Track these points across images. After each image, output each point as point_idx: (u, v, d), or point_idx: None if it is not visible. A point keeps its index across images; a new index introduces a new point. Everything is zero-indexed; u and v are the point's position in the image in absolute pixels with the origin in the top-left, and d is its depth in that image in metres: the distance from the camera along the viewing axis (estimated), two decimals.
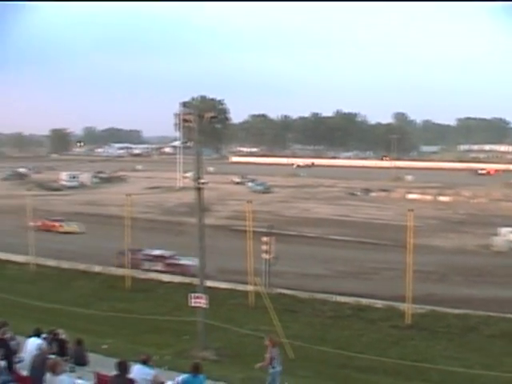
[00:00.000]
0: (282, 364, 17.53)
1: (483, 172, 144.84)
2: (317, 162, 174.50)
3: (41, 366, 13.29)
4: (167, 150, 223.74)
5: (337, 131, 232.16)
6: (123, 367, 12.34)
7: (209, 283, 26.96)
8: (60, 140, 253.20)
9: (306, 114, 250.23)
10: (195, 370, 13.55)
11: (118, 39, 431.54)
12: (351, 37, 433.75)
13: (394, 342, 27.25)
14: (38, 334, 16.09)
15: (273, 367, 17.38)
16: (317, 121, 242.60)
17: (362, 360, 23.63)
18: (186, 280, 34.91)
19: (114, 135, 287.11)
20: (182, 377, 13.79)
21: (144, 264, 40.45)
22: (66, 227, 57.51)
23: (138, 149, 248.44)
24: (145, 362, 13.42)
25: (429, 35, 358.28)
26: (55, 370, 12.45)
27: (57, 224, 57.51)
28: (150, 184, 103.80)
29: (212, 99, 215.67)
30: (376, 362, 23.18)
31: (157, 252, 41.99)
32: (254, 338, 25.00)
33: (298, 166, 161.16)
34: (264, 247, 34.91)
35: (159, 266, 40.67)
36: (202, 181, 24.73)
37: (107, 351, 21.69)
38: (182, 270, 38.56)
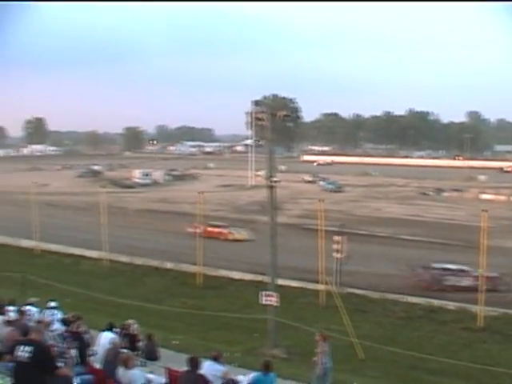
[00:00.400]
0: (332, 360, 17.40)
1: None
2: (389, 161, 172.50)
3: (113, 359, 13.47)
4: (239, 148, 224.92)
5: (409, 130, 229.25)
6: (194, 363, 12.38)
7: (280, 281, 26.90)
8: (133, 138, 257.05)
9: (378, 113, 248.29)
10: (266, 368, 13.52)
11: (191, 39, 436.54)
12: (423, 36, 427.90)
13: (466, 345, 26.71)
14: (110, 328, 16.33)
15: (323, 363, 17.35)
16: (389, 119, 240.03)
17: (433, 362, 23.24)
18: (257, 278, 34.89)
19: (186, 133, 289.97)
20: (252, 375, 13.79)
21: (449, 280, 36.70)
22: (236, 234, 52.99)
23: (209, 147, 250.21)
24: (216, 359, 13.44)
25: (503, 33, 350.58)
26: (127, 364, 12.60)
27: (225, 231, 52.93)
28: (221, 182, 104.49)
29: (284, 98, 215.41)
30: (447, 364, 22.70)
31: (452, 266, 37.93)
32: None
33: (319, 164, 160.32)
34: (335, 246, 34.65)
35: (466, 281, 35.78)
36: (275, 179, 24.68)
37: (178, 347, 21.89)
38: (493, 284, 33.82)
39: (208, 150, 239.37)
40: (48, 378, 10.34)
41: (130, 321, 17.86)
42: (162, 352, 18.33)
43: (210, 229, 49.61)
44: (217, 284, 36.40)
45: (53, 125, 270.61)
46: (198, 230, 40.34)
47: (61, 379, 10.70)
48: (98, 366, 14.17)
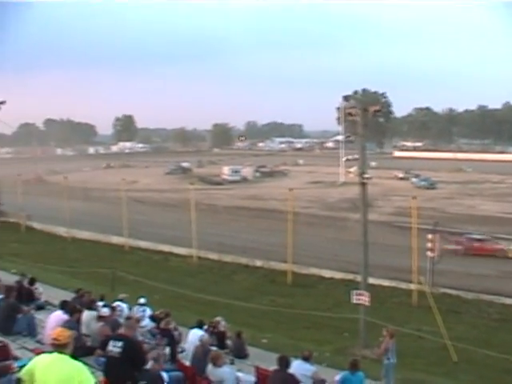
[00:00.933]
0: (397, 357, 17.54)
1: None
2: (483, 156, 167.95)
3: (202, 357, 13.64)
4: (329, 144, 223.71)
5: (505, 124, 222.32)
6: (284, 362, 12.42)
7: (371, 280, 26.72)
8: (222, 135, 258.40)
9: (473, 107, 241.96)
10: (353, 366, 13.49)
11: (280, 35, 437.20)
12: None
13: None
14: (199, 326, 16.53)
15: (387, 358, 17.65)
16: (483, 114, 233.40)
17: None
18: (347, 276, 34.71)
19: (275, 129, 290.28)
20: (340, 374, 13.77)
21: None
22: None
23: (299, 143, 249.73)
24: (306, 359, 13.45)
25: None
26: (217, 362, 12.74)
27: (502, 247, 44.10)
28: (311, 179, 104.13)
29: (374, 92, 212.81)
30: None
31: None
32: (415, 338, 24.56)
33: (348, 159, 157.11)
34: (429, 245, 34.11)
35: None
36: (367, 176, 24.49)
37: (267, 345, 22.01)
38: None
39: (298, 146, 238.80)
40: (138, 373, 10.58)
41: (219, 318, 18.07)
42: (251, 350, 18.47)
43: (477, 244, 43.86)
44: (306, 282, 36.32)
45: (141, 122, 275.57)
46: (459, 247, 39.75)
47: (151, 375, 10.91)
48: (187, 362, 14.37)
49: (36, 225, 54.96)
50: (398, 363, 18.21)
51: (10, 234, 48.44)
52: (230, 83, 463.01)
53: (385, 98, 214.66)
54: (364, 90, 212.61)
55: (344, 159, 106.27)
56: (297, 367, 13.08)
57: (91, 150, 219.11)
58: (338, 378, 13.94)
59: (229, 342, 17.80)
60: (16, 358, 10.80)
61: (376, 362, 21.47)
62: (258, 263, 39.99)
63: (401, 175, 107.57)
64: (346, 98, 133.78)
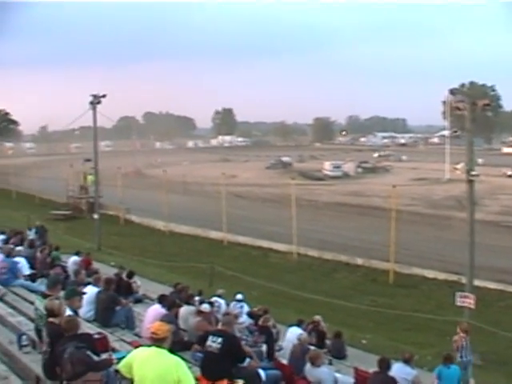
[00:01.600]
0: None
1: None
2: None
3: (301, 356, 13.66)
4: (434, 139, 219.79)
5: None
6: (385, 364, 12.33)
7: (476, 282, 26.15)
8: (323, 129, 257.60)
9: None
10: (447, 360, 13.36)
11: (383, 27, 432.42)
12: None
13: None
14: (298, 324, 16.58)
15: (460, 357, 17.11)
16: None
17: None
18: (451, 277, 34.07)
19: (377, 124, 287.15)
20: (436, 368, 13.69)
21: None
22: None
23: (402, 138, 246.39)
24: (407, 361, 13.31)
25: None
26: (315, 362, 12.76)
27: None
28: (415, 175, 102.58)
29: (482, 85, 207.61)
30: None
31: None
32: None
33: (380, 155, 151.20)
34: None
35: None
36: (474, 173, 24.00)
37: (366, 346, 21.87)
38: None
39: (401, 141, 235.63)
40: (236, 370, 10.68)
41: (318, 317, 18.06)
42: (350, 351, 18.41)
43: None
44: (409, 282, 35.82)
45: (241, 116, 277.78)
46: None
47: (248, 372, 11.01)
48: (284, 361, 14.43)
49: (134, 218, 56.47)
50: (503, 370, 17.80)
51: (109, 227, 49.61)
52: (332, 76, 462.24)
53: (493, 91, 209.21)
54: (471, 83, 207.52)
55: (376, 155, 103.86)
56: (397, 370, 12.97)
57: (190, 144, 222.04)
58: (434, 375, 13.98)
59: (328, 342, 17.78)
60: (114, 350, 11.07)
61: (481, 368, 21.09)
62: (359, 261, 39.65)
63: (509, 172, 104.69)
64: (452, 92, 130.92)
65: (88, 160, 52.27)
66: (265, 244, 44.65)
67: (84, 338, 9.20)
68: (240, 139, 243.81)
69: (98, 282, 16.55)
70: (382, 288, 34.81)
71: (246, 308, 19.88)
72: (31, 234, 30.40)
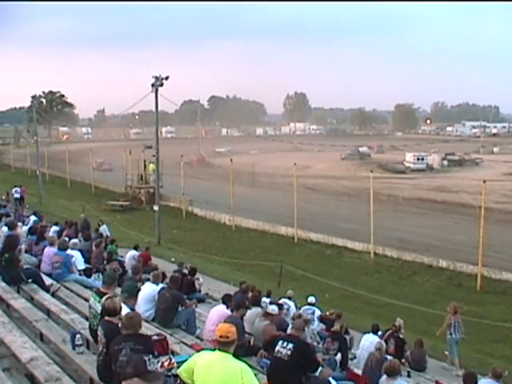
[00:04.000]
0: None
1: None
2: None
3: (376, 366, 13.61)
4: None
5: None
6: (471, 380, 12.22)
7: None
8: (405, 117, 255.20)
9: None
10: (496, 375, 13.15)
11: (473, 5, 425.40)
12: None
13: None
14: (375, 331, 16.49)
15: (450, 334, 19.35)
16: None
17: None
18: None
19: (466, 112, 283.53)
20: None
21: None
22: None
23: (494, 128, 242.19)
24: (498, 377, 13.15)
25: None
26: (392, 373, 12.64)
27: None
28: (508, 170, 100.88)
29: None
30: None
31: None
32: None
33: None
34: None
35: None
36: None
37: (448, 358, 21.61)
38: None
39: (493, 131, 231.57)
40: (306, 379, 10.65)
41: (400, 321, 17.99)
42: (431, 362, 18.27)
43: None
44: (498, 288, 35.09)
45: (315, 101, 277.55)
46: None
47: (319, 382, 11.00)
48: (358, 371, 14.40)
49: (198, 211, 56.73)
50: None
51: (170, 220, 50.11)
52: (415, 60, 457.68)
53: None
54: None
55: None
56: None
57: (259, 131, 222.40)
58: None
59: (406, 352, 17.66)
60: (173, 353, 11.16)
61: None
62: (443, 264, 39.09)
63: None
64: None
65: (149, 147, 52.61)
66: (339, 242, 44.18)
67: (142, 340, 9.15)
68: (314, 127, 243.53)
69: (157, 279, 16.61)
70: (468, 294, 34.25)
71: (317, 312, 19.86)
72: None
